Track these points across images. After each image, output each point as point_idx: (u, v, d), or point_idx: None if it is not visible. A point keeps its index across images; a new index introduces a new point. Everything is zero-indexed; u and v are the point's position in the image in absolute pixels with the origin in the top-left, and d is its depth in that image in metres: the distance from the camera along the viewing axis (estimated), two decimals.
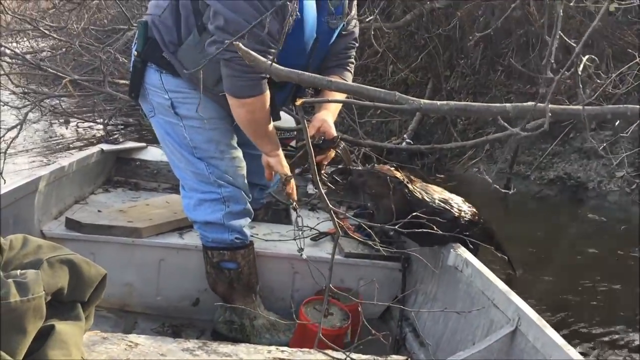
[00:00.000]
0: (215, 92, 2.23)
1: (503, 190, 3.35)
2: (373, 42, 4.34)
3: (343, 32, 2.42)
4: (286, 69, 1.44)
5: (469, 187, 4.76)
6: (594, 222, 4.22)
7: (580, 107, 1.39)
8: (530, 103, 1.57)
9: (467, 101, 5.56)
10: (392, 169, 2.41)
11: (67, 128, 5.45)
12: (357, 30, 2.52)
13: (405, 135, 5.36)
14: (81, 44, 4.83)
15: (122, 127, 4.29)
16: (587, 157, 4.52)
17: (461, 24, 5.61)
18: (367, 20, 4.44)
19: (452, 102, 1.52)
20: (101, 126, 5.01)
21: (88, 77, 4.43)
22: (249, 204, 2.47)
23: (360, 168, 2.50)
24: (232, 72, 2.11)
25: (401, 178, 2.35)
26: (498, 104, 1.55)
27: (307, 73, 1.52)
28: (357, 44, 2.53)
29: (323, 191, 2.49)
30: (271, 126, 2.28)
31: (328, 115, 2.38)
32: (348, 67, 2.49)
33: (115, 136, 3.33)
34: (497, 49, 5.60)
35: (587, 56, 1.36)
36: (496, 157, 5.19)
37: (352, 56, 2.53)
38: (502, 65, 5.54)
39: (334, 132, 2.35)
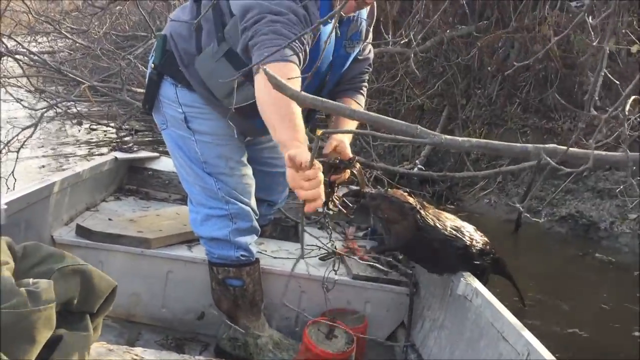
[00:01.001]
0: (226, 104, 2.22)
1: (531, 217, 3.27)
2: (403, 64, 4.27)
3: (359, 57, 2.44)
4: (311, 95, 1.41)
5: (479, 218, 4.75)
6: (604, 262, 4.17)
7: (623, 154, 1.36)
8: (552, 145, 1.56)
9: (482, 131, 5.57)
10: (406, 194, 2.40)
11: (79, 131, 5.47)
12: (372, 56, 2.54)
13: (417, 161, 5.36)
14: (102, 49, 4.88)
15: (134, 132, 4.30)
16: (600, 197, 4.49)
17: (480, 54, 5.62)
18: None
19: (473, 140, 1.51)
20: (113, 129, 5.04)
21: (106, 85, 4.46)
22: (256, 222, 2.46)
23: (373, 191, 2.48)
24: (259, 43, 1.91)
25: (414, 204, 2.33)
26: (519, 144, 1.54)
27: (330, 101, 1.50)
28: (371, 69, 2.55)
29: (332, 212, 2.49)
30: (297, 110, 1.85)
31: (344, 136, 2.37)
32: (361, 91, 2.51)
33: (130, 145, 3.34)
34: (514, 82, 5.61)
35: (633, 97, 1.35)
36: (508, 190, 5.16)
37: (366, 80, 2.55)
38: (519, 98, 5.54)
39: (349, 152, 2.35)
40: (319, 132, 1.47)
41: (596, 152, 1.54)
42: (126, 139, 4.22)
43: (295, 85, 1.74)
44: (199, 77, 2.25)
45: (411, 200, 2.35)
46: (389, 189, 2.47)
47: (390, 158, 5.91)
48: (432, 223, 2.32)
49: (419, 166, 5.27)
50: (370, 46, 2.53)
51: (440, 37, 5.80)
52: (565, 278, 3.92)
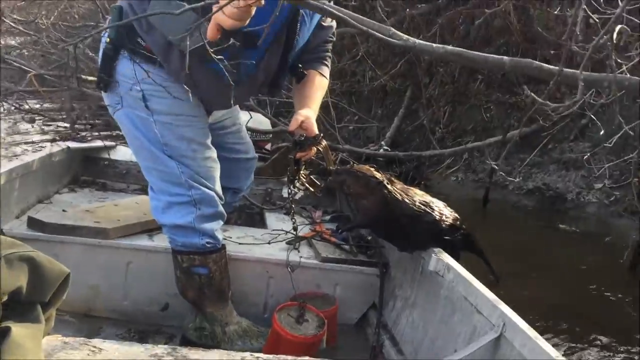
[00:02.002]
0: (183, 47, 2.05)
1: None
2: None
3: (323, 24, 2.35)
4: None
5: (448, 197, 4.71)
6: (570, 232, 4.18)
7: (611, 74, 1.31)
8: (528, 60, 1.49)
9: (446, 109, 5.54)
10: (372, 169, 2.32)
11: (32, 126, 5.25)
12: (334, 25, 2.46)
13: (382, 142, 5.31)
14: (49, 39, 4.66)
15: (90, 126, 4.14)
16: (565, 168, 4.50)
17: (441, 32, 5.58)
18: None
19: (448, 47, 1.44)
20: (67, 124, 4.84)
21: (54, 73, 4.28)
22: (221, 207, 2.36)
23: (339, 167, 2.40)
24: None
25: (381, 178, 2.26)
26: (496, 56, 1.47)
27: None
28: (334, 39, 2.47)
29: (300, 192, 2.42)
30: None
31: (310, 112, 2.29)
32: (325, 62, 2.43)
33: (83, 134, 3.19)
34: None
35: (619, 26, 1.30)
36: (475, 166, 5.15)
37: (329, 50, 2.46)
38: (481, 74, 5.52)
39: (315, 129, 2.26)
40: None
41: (585, 73, 1.48)
42: (82, 134, 4.04)
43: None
44: (158, 31, 2.10)
45: (378, 175, 2.28)
46: (355, 164, 2.38)
47: (355, 141, 5.85)
48: (400, 197, 2.25)
49: (385, 147, 5.21)
50: None
51: (400, 15, 5.74)
52: (534, 250, 3.92)
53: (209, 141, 2.34)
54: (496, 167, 2.88)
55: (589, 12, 1.49)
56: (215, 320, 2.37)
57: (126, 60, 2.21)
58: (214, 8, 1.52)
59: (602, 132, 2.78)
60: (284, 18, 2.16)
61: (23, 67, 4.37)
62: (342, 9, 1.40)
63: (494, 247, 3.31)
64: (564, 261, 3.74)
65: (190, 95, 2.20)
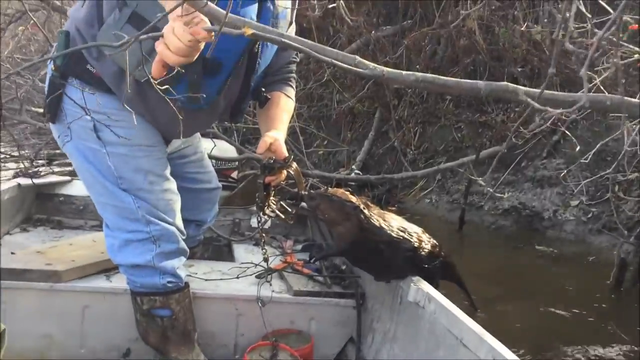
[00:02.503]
0: (138, 76, 1.93)
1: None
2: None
3: None
4: (236, 16, 1.23)
5: (422, 219, 4.61)
6: (548, 254, 4.09)
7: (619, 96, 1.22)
8: (503, 83, 1.39)
9: (417, 130, 5.47)
10: (347, 193, 2.17)
11: None
12: None
13: (353, 167, 5.20)
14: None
15: (49, 162, 3.94)
16: (540, 186, 4.42)
17: (407, 53, 5.53)
18: None
19: (418, 74, 1.33)
20: (27, 161, 4.62)
21: (3, 105, 4.07)
22: (183, 242, 2.19)
23: (312, 191, 2.25)
24: None
25: (357, 203, 2.11)
26: (469, 80, 1.36)
27: (255, 23, 1.29)
28: (297, 59, 2.36)
29: (269, 220, 2.26)
30: None
31: (278, 134, 2.15)
32: (290, 83, 2.32)
33: (36, 169, 2.99)
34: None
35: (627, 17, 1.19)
36: (448, 188, 5.05)
37: (294, 71, 2.36)
38: (450, 94, 5.46)
39: (285, 151, 2.12)
40: (248, 30, 1.22)
41: (590, 94, 1.37)
42: (41, 169, 3.83)
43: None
44: (108, 62, 1.96)
45: (353, 199, 2.13)
46: (329, 188, 2.23)
47: (326, 165, 5.73)
48: (377, 223, 2.11)
49: (356, 171, 5.10)
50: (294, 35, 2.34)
51: (366, 37, 5.69)
52: (514, 273, 3.81)
53: (167, 172, 2.19)
54: (483, 183, 2.77)
55: (584, 11, 1.38)
56: None
57: (74, 89, 2.05)
58: (157, 45, 1.39)
59: (577, 149, 2.69)
60: (245, 42, 2.04)
61: None
62: (304, 39, 1.28)
63: (472, 270, 3.20)
64: (546, 284, 3.63)
65: (146, 123, 2.08)
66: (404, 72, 1.30)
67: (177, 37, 1.37)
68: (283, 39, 1.28)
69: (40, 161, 4.36)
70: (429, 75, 1.33)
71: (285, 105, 2.26)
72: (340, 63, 1.31)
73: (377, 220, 2.11)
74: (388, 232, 2.11)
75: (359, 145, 5.74)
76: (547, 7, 5.18)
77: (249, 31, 1.19)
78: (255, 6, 1.96)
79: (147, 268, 2.12)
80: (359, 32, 5.85)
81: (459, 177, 5.05)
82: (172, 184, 2.19)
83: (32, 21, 4.78)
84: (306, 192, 2.24)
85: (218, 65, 1.94)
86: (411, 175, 5.01)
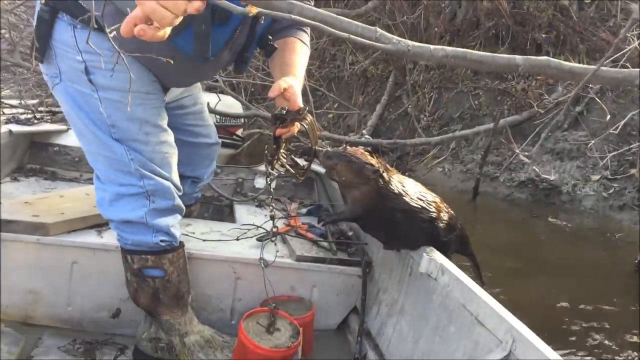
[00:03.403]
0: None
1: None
2: None
3: None
4: None
5: (434, 188, 4.43)
6: (568, 227, 3.91)
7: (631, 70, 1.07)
8: (544, 58, 1.22)
9: (432, 95, 5.26)
10: (367, 153, 1.99)
11: None
12: None
13: (364, 131, 5.02)
14: None
15: (52, 114, 3.76)
16: (560, 159, 4.22)
17: (426, 14, 5.29)
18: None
19: (448, 48, 1.16)
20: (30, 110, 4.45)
21: None
22: (178, 199, 2.03)
23: (329, 149, 2.06)
24: None
25: (377, 166, 1.93)
26: (506, 55, 1.20)
27: None
28: (312, 2, 2.16)
29: (278, 173, 2.09)
30: None
31: (294, 80, 1.96)
32: (303, 27, 2.11)
33: (29, 117, 2.83)
34: (464, 41, 5.30)
35: None
36: (462, 157, 4.86)
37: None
38: (483, 70, 5.24)
39: (300, 101, 1.93)
40: (253, 8, 1.06)
41: (603, 67, 1.21)
42: (37, 116, 3.66)
43: None
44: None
45: (373, 161, 1.95)
46: (347, 147, 2.04)
47: (335, 129, 5.56)
48: (396, 190, 1.93)
49: (366, 136, 4.92)
50: None
51: None
52: (530, 249, 3.64)
53: (164, 123, 2.01)
54: (525, 159, 2.57)
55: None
56: (172, 329, 2.06)
57: (65, 25, 1.87)
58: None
59: (608, 117, 2.50)
60: None
61: None
62: (317, 10, 1.11)
63: (485, 243, 3.05)
64: (563, 260, 3.47)
65: (143, 68, 1.91)
66: (431, 47, 1.14)
67: (167, 8, 1.17)
68: (292, 16, 1.12)
69: (43, 112, 4.21)
70: (460, 50, 1.17)
71: (300, 50, 2.06)
72: (359, 39, 1.15)
73: (396, 187, 1.93)
74: (406, 199, 1.94)
75: (371, 110, 5.55)
76: None
77: (254, 10, 1.07)
78: None
79: (139, 225, 1.97)
80: None
81: (474, 146, 4.85)
82: (170, 136, 2.02)
83: None
84: (321, 149, 2.06)
85: (224, 20, 1.75)
86: (425, 141, 4.82)
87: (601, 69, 1.20)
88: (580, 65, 1.18)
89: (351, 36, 1.11)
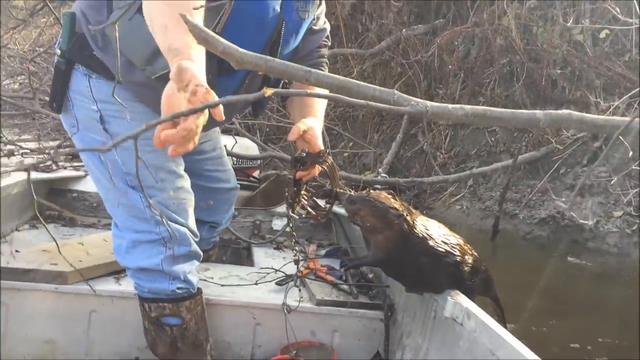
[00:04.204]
0: (148, 73, 1.77)
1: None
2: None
3: (314, 28, 2.08)
4: (252, 53, 1.10)
5: (452, 227, 4.37)
6: (591, 268, 3.83)
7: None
8: (566, 111, 1.20)
9: (448, 134, 5.25)
10: (390, 197, 1.95)
11: (8, 158, 4.87)
12: (328, 27, 2.19)
13: (380, 170, 4.99)
14: (11, 55, 4.34)
15: (71, 157, 3.80)
16: (580, 195, 4.16)
17: (439, 52, 5.32)
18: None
19: (467, 106, 1.15)
20: (48, 155, 4.50)
21: (15, 95, 3.94)
22: (195, 245, 2.01)
23: (353, 193, 2.03)
24: None
25: (401, 210, 1.89)
26: (526, 111, 1.18)
27: (277, 60, 1.14)
28: (329, 43, 2.18)
29: (298, 217, 2.07)
30: (199, 17, 1.48)
31: (314, 122, 1.96)
32: (323, 68, 2.15)
33: (48, 163, 2.84)
34: (478, 79, 5.31)
35: None
36: (480, 194, 4.81)
37: (325, 55, 2.18)
38: (483, 96, 5.24)
39: (321, 143, 1.92)
40: (268, 90, 1.07)
41: (626, 118, 1.18)
42: (54, 164, 3.69)
43: (197, 18, 1.40)
44: (113, 52, 1.80)
45: (397, 204, 1.91)
46: (371, 190, 2.01)
47: (351, 168, 5.54)
48: (420, 234, 1.89)
49: (383, 175, 4.89)
50: (324, 17, 2.18)
51: (396, 36, 5.50)
52: (552, 289, 3.56)
53: (181, 169, 2.01)
54: (563, 205, 2.52)
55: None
56: None
57: (81, 76, 1.91)
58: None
59: (630, 154, 2.45)
60: (266, 37, 1.86)
61: None
62: (333, 76, 1.12)
63: (506, 283, 2.97)
64: (587, 300, 3.38)
65: (156, 115, 1.91)
66: (450, 106, 1.13)
67: (187, 131, 1.30)
68: (310, 77, 1.13)
69: (61, 157, 4.26)
70: (480, 108, 1.15)
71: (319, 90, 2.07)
72: (376, 103, 1.14)
73: (420, 230, 1.90)
74: (431, 243, 1.89)
75: (386, 148, 5.54)
76: (589, 6, 4.94)
77: (269, 92, 1.06)
78: None
79: (156, 272, 1.95)
80: (389, 29, 5.67)
81: (492, 183, 4.81)
82: (186, 182, 2.02)
83: (54, 14, 4.68)
84: (342, 191, 2.04)
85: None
86: (442, 179, 4.79)
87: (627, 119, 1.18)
88: (602, 117, 1.16)
89: (369, 103, 1.10)
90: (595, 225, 4.03)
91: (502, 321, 2.28)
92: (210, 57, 1.40)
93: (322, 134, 2.52)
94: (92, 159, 1.96)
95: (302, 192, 1.99)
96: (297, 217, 2.05)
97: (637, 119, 1.06)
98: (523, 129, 4.58)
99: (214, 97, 1.29)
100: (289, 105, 2.15)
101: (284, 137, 5.20)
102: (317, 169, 1.95)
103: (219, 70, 1.76)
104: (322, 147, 1.93)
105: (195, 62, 1.38)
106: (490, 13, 5.24)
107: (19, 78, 5.62)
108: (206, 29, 1.09)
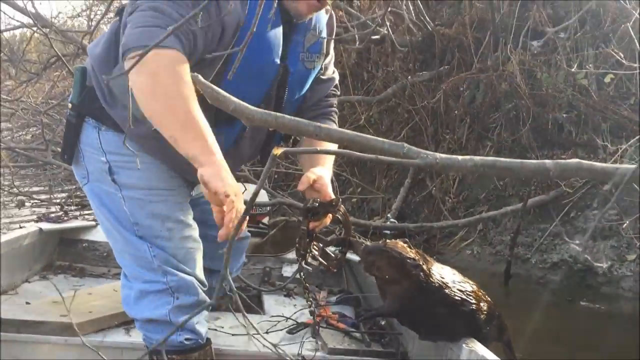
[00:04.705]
0: (148, 127, 1.79)
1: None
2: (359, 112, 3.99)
3: (322, 77, 2.10)
4: (262, 110, 1.13)
5: (463, 272, 4.32)
6: (605, 313, 3.76)
7: None
8: (575, 160, 1.21)
9: (456, 178, 5.24)
10: (406, 246, 1.94)
11: (19, 208, 4.91)
12: (337, 77, 2.21)
13: (389, 215, 4.97)
14: (23, 109, 4.42)
15: (81, 207, 3.82)
16: (592, 238, 4.12)
17: (445, 98, 5.37)
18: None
19: (476, 158, 1.17)
20: (58, 205, 4.55)
21: (28, 147, 3.99)
22: (203, 294, 2.00)
23: (368, 244, 2.02)
24: (131, 23, 1.67)
25: (418, 260, 1.88)
26: (535, 161, 1.19)
27: (287, 116, 1.16)
28: (338, 92, 2.20)
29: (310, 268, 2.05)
30: (194, 105, 1.60)
31: (324, 171, 1.96)
32: (332, 117, 2.15)
33: (59, 214, 2.86)
34: (484, 124, 5.35)
35: None
36: (491, 238, 4.78)
37: (334, 105, 2.19)
38: (490, 141, 5.26)
39: (330, 191, 1.92)
40: (278, 150, 1.09)
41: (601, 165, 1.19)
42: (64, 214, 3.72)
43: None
44: (120, 103, 1.84)
45: (414, 254, 1.90)
46: (387, 240, 1.99)
47: (360, 214, 5.52)
48: (436, 283, 1.87)
49: (392, 220, 4.87)
50: (333, 66, 2.20)
51: (402, 83, 5.56)
52: (568, 335, 3.49)
53: (189, 218, 2.02)
54: (577, 247, 2.50)
55: None
56: None
57: (91, 128, 1.95)
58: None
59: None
60: (266, 88, 1.89)
61: None
62: (345, 130, 1.15)
63: (520, 330, 2.92)
64: (604, 347, 3.30)
65: (164, 165, 1.94)
66: (460, 158, 1.16)
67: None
68: (320, 132, 1.17)
69: (72, 207, 4.31)
70: (489, 158, 1.17)
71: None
72: (386, 157, 1.17)
73: (437, 279, 1.88)
74: (447, 292, 1.88)
75: (394, 193, 5.53)
76: (592, 51, 5.00)
77: (278, 151, 1.10)
78: (279, 28, 1.84)
79: (163, 323, 1.93)
80: (395, 77, 5.74)
81: (502, 227, 4.78)
82: (194, 231, 2.02)
83: (67, 68, 4.78)
84: (356, 239, 2.03)
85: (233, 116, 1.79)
86: (452, 224, 4.77)
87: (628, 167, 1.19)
88: (612, 165, 1.17)
89: (379, 157, 1.12)
90: (609, 269, 3.98)
91: None
92: (208, 108, 1.46)
93: (331, 180, 2.55)
94: (101, 209, 1.98)
95: (313, 242, 1.98)
96: (310, 268, 2.04)
97: None
98: (530, 176, 4.58)
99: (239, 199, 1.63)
100: (300, 157, 2.16)
101: (292, 184, 5.21)
102: (329, 218, 1.95)
103: (217, 121, 1.77)
104: (333, 196, 1.94)
105: (213, 166, 1.60)
106: (494, 59, 5.30)
107: (31, 129, 5.71)
108: (218, 89, 1.12)
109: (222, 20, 1.71)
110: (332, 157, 2.10)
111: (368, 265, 1.96)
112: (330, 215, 1.94)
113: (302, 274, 2.08)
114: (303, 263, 2.00)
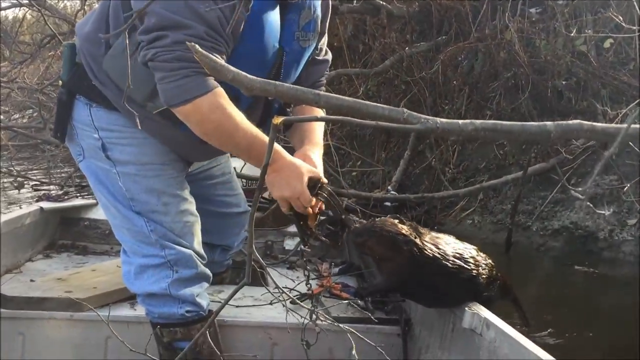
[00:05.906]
0: (150, 108, 1.81)
1: None
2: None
3: (317, 58, 2.11)
4: (261, 79, 1.13)
5: (464, 242, 4.34)
6: (607, 277, 3.77)
7: None
8: (576, 122, 1.21)
9: (456, 149, 5.23)
10: (397, 222, 1.93)
11: (19, 192, 4.91)
12: (330, 58, 2.22)
13: (389, 187, 4.97)
14: (21, 87, 4.39)
15: (81, 187, 3.81)
16: (593, 205, 4.12)
17: (443, 68, 5.34)
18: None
19: (477, 121, 1.16)
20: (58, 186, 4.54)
21: (26, 125, 3.98)
22: (202, 267, 2.02)
23: (357, 225, 2.01)
24: (161, 73, 1.69)
25: (409, 234, 1.88)
26: (536, 123, 1.19)
27: (286, 84, 1.18)
28: (329, 72, 2.24)
29: (307, 245, 2.06)
30: (250, 127, 1.77)
31: (313, 150, 1.96)
32: (320, 90, 2.14)
33: (60, 193, 2.87)
34: (483, 93, 5.32)
35: None
36: (491, 207, 4.78)
37: (324, 83, 2.23)
38: (490, 110, 5.24)
39: (320, 172, 1.92)
40: (278, 119, 1.13)
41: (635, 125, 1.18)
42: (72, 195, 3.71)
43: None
44: (114, 84, 1.83)
45: (405, 229, 1.89)
46: (377, 219, 1.99)
47: (360, 187, 5.51)
48: (431, 254, 1.87)
49: (392, 192, 4.87)
50: (326, 47, 2.21)
51: (399, 54, 5.53)
52: (571, 300, 3.51)
53: (185, 192, 2.03)
54: (580, 196, 2.51)
55: None
56: None
57: (82, 105, 1.96)
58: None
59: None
60: (265, 73, 1.88)
61: None
62: (342, 97, 1.16)
63: (524, 296, 2.93)
64: (606, 311, 3.33)
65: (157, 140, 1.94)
66: (460, 122, 1.15)
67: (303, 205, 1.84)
68: (320, 100, 1.18)
69: (72, 188, 4.29)
70: (490, 122, 1.17)
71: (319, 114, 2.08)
72: (386, 123, 1.17)
73: (431, 250, 1.88)
74: (443, 262, 1.88)
75: (394, 165, 5.52)
76: (591, 17, 4.96)
77: (278, 120, 1.14)
78: (277, 10, 1.83)
79: (164, 297, 1.97)
80: (392, 48, 5.70)
81: (502, 196, 4.78)
82: (190, 205, 2.04)
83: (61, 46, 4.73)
84: (348, 218, 2.03)
85: (234, 99, 1.79)
86: (452, 194, 4.77)
87: (632, 126, 1.19)
88: (613, 126, 1.18)
89: (379, 123, 1.12)
90: (610, 234, 3.98)
91: (525, 321, 2.27)
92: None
93: (330, 152, 2.53)
94: (98, 185, 2.00)
95: (315, 222, 1.96)
96: (309, 250, 2.05)
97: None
98: (530, 141, 4.57)
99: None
100: (290, 136, 2.15)
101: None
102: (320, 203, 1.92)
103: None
104: (323, 177, 1.91)
105: (272, 173, 1.78)
106: (492, 28, 5.26)
107: (27, 112, 5.69)
108: (215, 58, 1.12)
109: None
110: (321, 134, 2.10)
111: (359, 246, 1.98)
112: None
113: (302, 252, 2.08)
114: (307, 247, 2.02)
